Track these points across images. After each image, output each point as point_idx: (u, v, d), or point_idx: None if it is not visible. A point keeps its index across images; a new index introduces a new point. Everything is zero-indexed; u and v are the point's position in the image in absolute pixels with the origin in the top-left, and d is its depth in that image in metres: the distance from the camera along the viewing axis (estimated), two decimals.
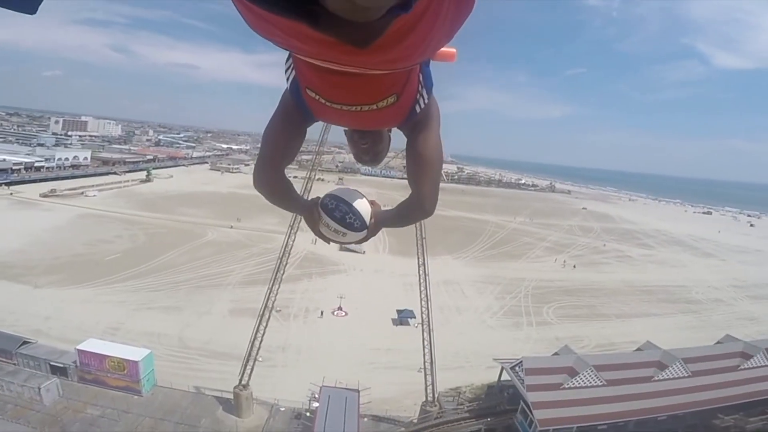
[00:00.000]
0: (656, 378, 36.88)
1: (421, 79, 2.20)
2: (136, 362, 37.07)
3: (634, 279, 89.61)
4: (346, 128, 2.72)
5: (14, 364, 38.70)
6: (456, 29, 1.53)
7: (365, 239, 3.02)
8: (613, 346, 55.40)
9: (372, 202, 3.00)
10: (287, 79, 2.24)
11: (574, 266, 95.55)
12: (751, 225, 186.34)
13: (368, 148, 2.82)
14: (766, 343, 42.71)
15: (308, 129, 2.64)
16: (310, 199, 3.04)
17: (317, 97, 2.04)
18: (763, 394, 37.97)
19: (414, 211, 2.77)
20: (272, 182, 2.65)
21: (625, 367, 37.88)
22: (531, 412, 33.38)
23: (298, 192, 3.11)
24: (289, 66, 2.19)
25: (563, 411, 33.80)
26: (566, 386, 35.30)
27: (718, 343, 44.37)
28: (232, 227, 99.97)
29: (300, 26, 1.17)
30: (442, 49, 1.99)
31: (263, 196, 2.75)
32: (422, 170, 2.55)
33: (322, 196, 2.95)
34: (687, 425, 37.21)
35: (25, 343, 40.28)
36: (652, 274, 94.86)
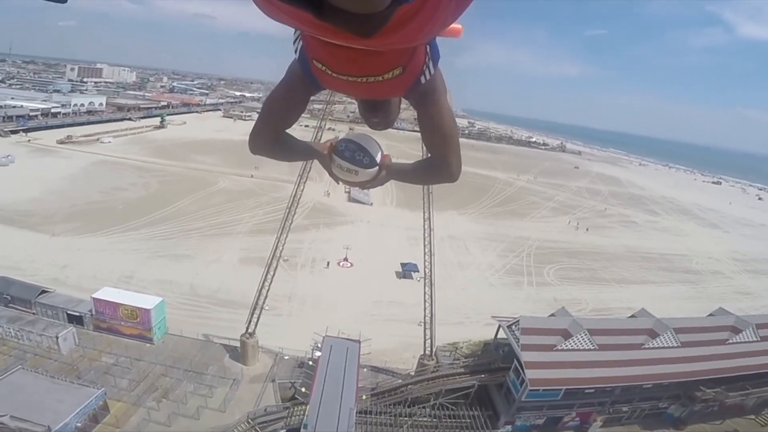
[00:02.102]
0: (647, 346, 37.23)
1: (428, 50, 2.21)
2: (148, 310, 38.06)
3: (637, 245, 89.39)
4: (359, 102, 2.77)
5: (33, 313, 39.67)
6: (462, 10, 1.51)
7: (377, 180, 3.00)
8: (609, 311, 56.04)
9: (385, 152, 2.99)
10: (296, 49, 2.26)
11: (587, 229, 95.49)
12: (759, 198, 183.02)
13: (379, 122, 2.91)
14: (756, 318, 42.88)
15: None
16: (322, 142, 3.06)
17: (324, 68, 2.07)
18: (746, 370, 38.32)
19: (440, 175, 2.81)
20: (268, 147, 2.70)
21: (617, 332, 38.28)
22: (523, 371, 33.82)
23: (305, 141, 3.14)
24: (297, 36, 2.23)
25: (554, 372, 34.42)
26: (559, 348, 35.71)
27: (710, 315, 44.49)
28: (252, 176, 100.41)
29: (305, 14, 1.20)
30: None
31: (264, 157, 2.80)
32: (443, 141, 2.62)
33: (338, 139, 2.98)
34: (670, 395, 38.00)
35: (43, 292, 41.25)
36: (655, 241, 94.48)
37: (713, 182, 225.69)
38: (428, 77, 2.28)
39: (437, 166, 2.77)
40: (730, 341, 39.75)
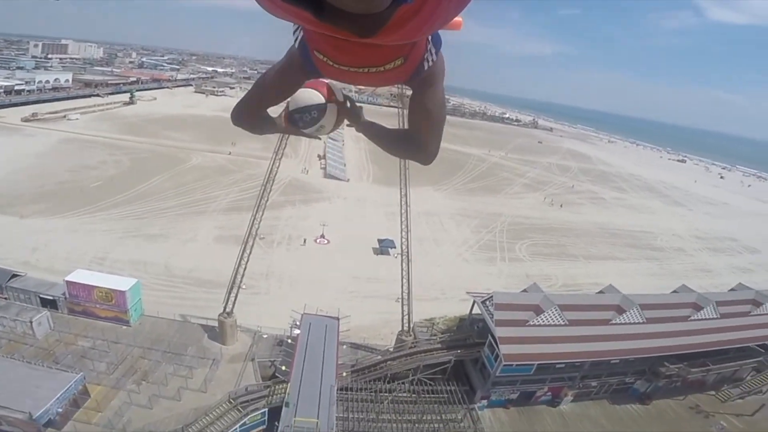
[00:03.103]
0: (614, 321, 38.40)
1: (429, 38, 2.19)
2: (123, 292, 37.10)
3: (605, 221, 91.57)
4: None
5: (5, 298, 38.41)
6: (463, 7, 1.48)
7: (344, 111, 2.99)
8: (579, 287, 57.41)
9: (321, 85, 2.91)
10: (295, 39, 2.23)
11: (561, 206, 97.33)
12: (721, 177, 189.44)
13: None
14: (716, 296, 44.47)
15: None
16: (280, 115, 3.09)
17: (325, 59, 2.04)
18: (707, 347, 39.75)
19: (414, 153, 2.84)
20: (249, 120, 2.82)
21: (587, 308, 39.33)
22: (497, 346, 34.59)
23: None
24: (298, 26, 2.19)
25: (527, 347, 35.22)
26: (532, 323, 36.53)
27: (674, 292, 45.92)
28: (230, 153, 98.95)
29: (306, 13, 1.19)
30: None
31: (240, 127, 2.90)
32: (429, 124, 2.64)
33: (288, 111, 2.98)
34: (636, 370, 39.30)
35: (14, 276, 39.81)
36: (622, 218, 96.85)
37: (678, 160, 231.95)
38: (431, 63, 2.26)
39: (415, 144, 2.77)
40: (692, 318, 41.10)
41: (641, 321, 38.71)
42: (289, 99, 2.88)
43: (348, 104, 3.01)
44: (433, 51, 2.23)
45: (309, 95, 2.85)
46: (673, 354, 38.63)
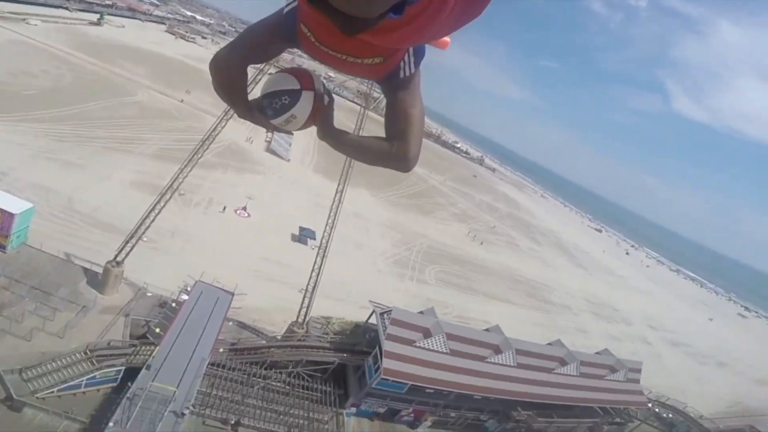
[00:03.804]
0: (489, 360, 39.06)
1: (410, 51, 2.14)
2: (12, 214, 32.48)
3: (513, 267, 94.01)
4: None
5: None
6: (456, 29, 1.49)
7: (321, 106, 2.40)
8: (469, 320, 57.73)
9: (299, 72, 2.40)
10: (287, 4, 2.08)
11: (482, 243, 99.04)
12: (627, 253, 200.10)
13: None
14: (582, 355, 46.03)
15: None
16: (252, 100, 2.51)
17: (309, 35, 1.95)
18: (559, 400, 41.16)
19: (394, 158, 2.40)
20: (232, 68, 2.25)
21: (470, 342, 39.55)
22: (381, 359, 34.31)
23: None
24: None
25: (407, 366, 35.10)
26: (418, 345, 36.61)
27: (548, 344, 47.23)
28: (182, 101, 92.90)
29: None
30: None
31: (213, 79, 2.29)
32: (407, 124, 2.34)
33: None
34: (493, 409, 40.05)
35: None
36: (529, 267, 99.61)
37: (596, 228, 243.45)
38: (407, 73, 2.19)
39: (394, 149, 2.38)
40: (556, 371, 42.38)
41: (512, 364, 39.63)
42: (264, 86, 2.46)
43: (326, 100, 2.46)
44: (412, 61, 2.17)
45: (282, 79, 2.41)
46: (527, 401, 39.58)
